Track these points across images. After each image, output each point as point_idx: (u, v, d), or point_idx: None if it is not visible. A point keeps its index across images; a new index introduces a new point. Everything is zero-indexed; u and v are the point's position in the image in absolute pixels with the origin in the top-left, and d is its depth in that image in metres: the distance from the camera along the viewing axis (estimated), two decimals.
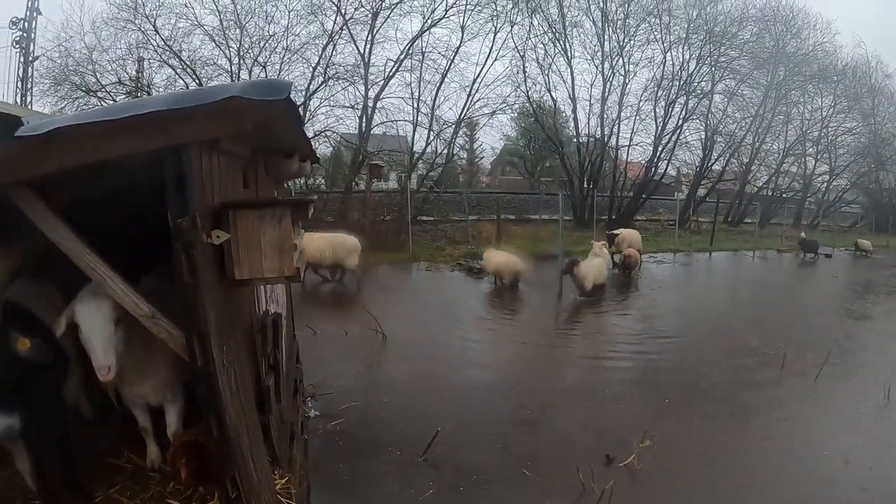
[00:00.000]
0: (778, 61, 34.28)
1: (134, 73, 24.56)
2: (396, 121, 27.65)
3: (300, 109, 25.71)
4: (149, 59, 24.35)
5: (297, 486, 4.99)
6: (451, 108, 29.30)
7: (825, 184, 40.84)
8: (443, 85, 28.00)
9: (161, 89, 24.03)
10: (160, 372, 4.51)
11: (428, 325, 13.69)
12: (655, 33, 32.53)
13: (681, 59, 33.03)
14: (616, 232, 21.30)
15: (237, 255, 3.84)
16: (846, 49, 37.84)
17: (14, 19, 25.05)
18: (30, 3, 26.35)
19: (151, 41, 23.99)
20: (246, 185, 5.23)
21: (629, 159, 34.47)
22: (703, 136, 34.79)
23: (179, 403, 4.80)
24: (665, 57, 32.84)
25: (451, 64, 27.82)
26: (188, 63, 24.33)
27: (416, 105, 27.94)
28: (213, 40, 24.71)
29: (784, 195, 38.88)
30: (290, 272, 3.85)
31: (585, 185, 32.24)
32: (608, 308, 15.84)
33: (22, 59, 25.11)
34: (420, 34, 26.92)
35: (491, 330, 13.59)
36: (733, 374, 10.75)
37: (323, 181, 29.78)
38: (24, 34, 25.15)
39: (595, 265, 16.61)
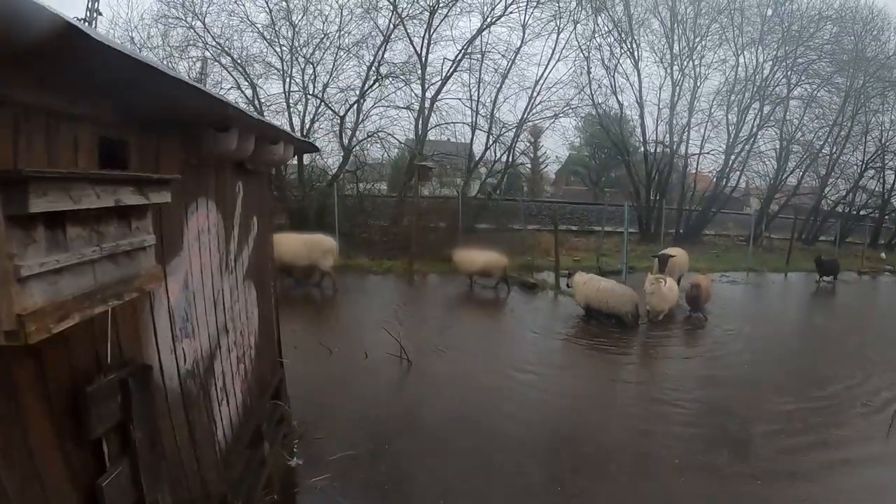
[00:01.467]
0: (857, 66, 30.36)
1: (197, 73, 23.14)
2: (454, 123, 25.54)
3: (354, 109, 24.70)
4: (198, 56, 22.84)
5: None
6: (510, 111, 27.08)
7: None
8: (503, 86, 25.84)
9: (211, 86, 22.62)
10: None
11: (464, 350, 11.39)
12: (727, 33, 29.60)
13: (754, 62, 30.04)
14: (671, 253, 16.36)
15: None
16: None
17: (75, 19, 23.97)
18: (90, 4, 25.57)
19: (202, 38, 22.56)
20: (122, 165, 3.30)
21: (699, 170, 31.60)
22: (778, 146, 31.45)
23: None
24: (738, 60, 29.90)
25: (511, 64, 25.62)
26: (238, 61, 22.81)
27: (474, 107, 25.81)
28: (265, 38, 23.18)
29: (861, 212, 34.90)
30: (8, 324, 1.79)
31: (652, 197, 29.52)
32: (673, 342, 12.89)
33: None
34: (479, 32, 24.82)
35: (534, 363, 11.00)
36: (828, 445, 7.90)
37: (385, 185, 28.17)
38: None
39: (603, 288, 13.67)
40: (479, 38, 24.99)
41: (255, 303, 6.18)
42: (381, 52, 23.91)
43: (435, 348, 11.20)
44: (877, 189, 34.68)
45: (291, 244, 15.03)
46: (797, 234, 31.56)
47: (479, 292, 16.66)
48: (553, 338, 12.60)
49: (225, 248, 5.21)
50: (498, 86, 25.60)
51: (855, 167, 33.13)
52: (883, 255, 29.54)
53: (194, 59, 22.86)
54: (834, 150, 31.79)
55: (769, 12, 29.50)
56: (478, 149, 26.83)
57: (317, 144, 24.94)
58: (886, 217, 34.78)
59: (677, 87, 29.52)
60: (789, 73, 29.95)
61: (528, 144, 31.53)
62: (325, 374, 9.39)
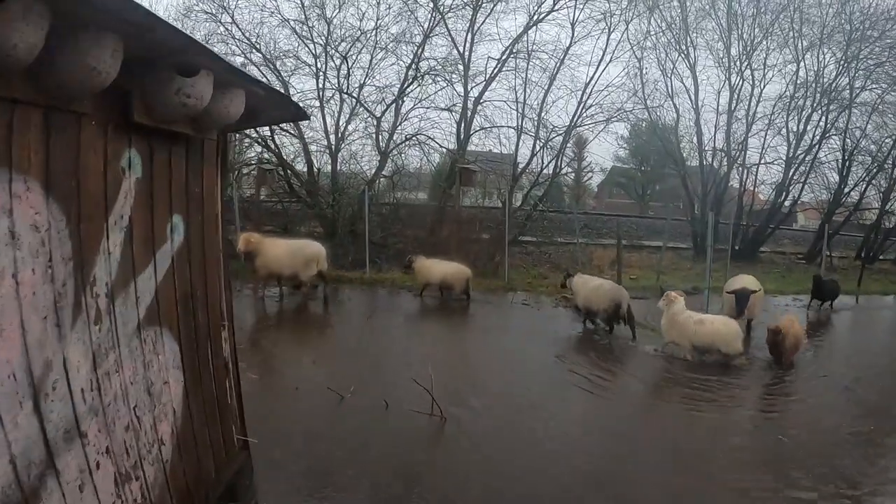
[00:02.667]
0: None
1: None
2: (499, 126, 22.50)
3: (391, 110, 22.06)
4: (227, 52, 20.26)
5: None
6: (559, 115, 24.24)
7: None
8: (551, 88, 22.65)
9: None
10: None
11: (510, 394, 8.29)
12: (787, 34, 26.19)
13: (815, 66, 26.46)
14: (753, 287, 11.67)
15: None
16: None
17: None
18: None
19: (230, 31, 20.07)
20: None
21: (757, 182, 28.18)
22: (840, 157, 27.49)
23: None
24: (798, 65, 26.38)
25: (560, 65, 22.49)
26: (269, 57, 20.29)
27: (521, 109, 22.71)
28: (297, 33, 20.63)
29: None
30: None
31: (709, 210, 26.16)
32: (751, 388, 9.27)
33: None
34: (526, 29, 21.82)
35: (591, 409, 8.06)
36: None
37: (424, 195, 25.48)
38: None
39: (593, 287, 12.07)
40: (526, 36, 22.08)
41: (177, 364, 3.42)
42: (420, 50, 21.22)
43: (477, 396, 8.08)
44: None
45: (276, 251, 12.93)
46: (855, 253, 28.48)
47: (527, 314, 13.80)
48: (626, 387, 9.26)
49: (74, 275, 2.50)
50: (546, 87, 22.62)
51: None
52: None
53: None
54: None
55: (830, 12, 26.22)
56: (523, 155, 23.76)
57: (352, 147, 22.80)
58: None
59: (735, 93, 26.32)
60: (854, 75, 26.53)
61: (573, 155, 28.73)
62: (327, 435, 6.49)
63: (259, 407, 6.95)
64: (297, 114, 4.23)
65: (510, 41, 22.06)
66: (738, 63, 26.38)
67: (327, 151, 21.22)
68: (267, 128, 20.39)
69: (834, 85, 26.62)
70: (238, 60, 20.02)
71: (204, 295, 3.75)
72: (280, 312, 12.80)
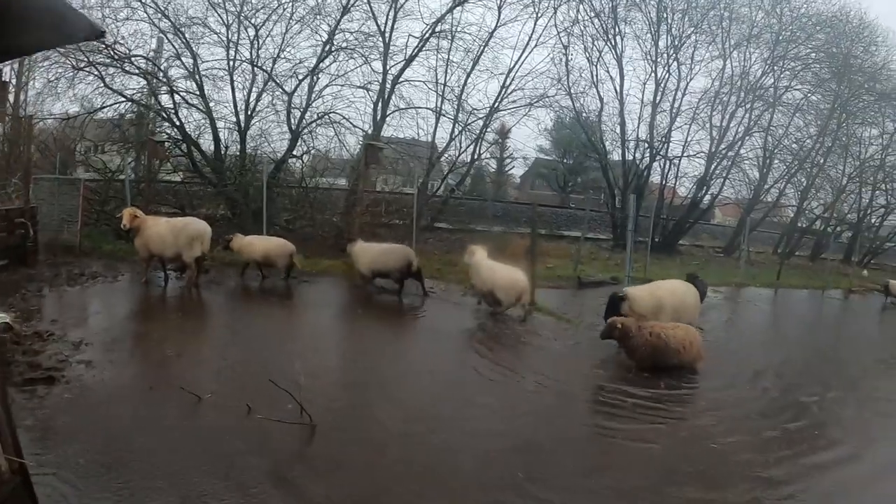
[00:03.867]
0: (843, 75, 27.23)
1: (150, 52, 19.12)
2: (417, 108, 21.53)
3: (305, 87, 20.80)
4: (131, 18, 18.73)
5: None
6: (479, 100, 23.61)
7: (880, 218, 32.12)
8: (473, 71, 22.02)
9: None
10: None
11: (397, 396, 7.26)
12: (716, 31, 26.53)
13: (742, 64, 26.96)
14: (627, 292, 10.21)
15: None
16: None
17: None
18: None
19: None
20: None
21: (678, 175, 28.20)
22: (761, 154, 28.27)
23: None
24: (725, 62, 26.74)
25: (484, 47, 21.87)
26: (178, 26, 18.84)
27: (440, 91, 21.86)
28: (209, 1, 19.25)
29: (838, 228, 31.49)
30: None
31: (630, 193, 25.94)
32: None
33: None
34: (451, 8, 21.01)
35: (488, 411, 7.01)
36: None
37: (337, 179, 24.40)
38: None
39: (380, 250, 13.38)
40: (450, 15, 21.29)
41: None
42: (337, 23, 20.13)
43: (356, 392, 7.29)
44: (854, 205, 31.98)
45: (157, 229, 11.93)
46: (772, 249, 29.96)
47: (431, 304, 12.85)
48: (533, 384, 8.21)
49: None
50: (468, 69, 21.90)
51: (836, 181, 30.34)
52: (865, 272, 27.16)
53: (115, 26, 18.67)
54: (817, 160, 28.69)
55: (760, 14, 26.66)
56: (441, 140, 22.99)
57: (262, 125, 21.36)
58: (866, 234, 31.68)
59: (661, 85, 26.43)
60: (780, 75, 26.99)
61: (493, 142, 28.17)
62: (163, 449, 5.32)
63: (91, 414, 5.91)
64: (80, 25, 3.03)
65: (434, 20, 21.25)
66: (665, 56, 26.60)
67: (236, 128, 19.97)
68: (170, 101, 19.15)
69: (759, 83, 27.16)
70: (143, 27, 18.66)
71: None
72: (161, 299, 11.64)
